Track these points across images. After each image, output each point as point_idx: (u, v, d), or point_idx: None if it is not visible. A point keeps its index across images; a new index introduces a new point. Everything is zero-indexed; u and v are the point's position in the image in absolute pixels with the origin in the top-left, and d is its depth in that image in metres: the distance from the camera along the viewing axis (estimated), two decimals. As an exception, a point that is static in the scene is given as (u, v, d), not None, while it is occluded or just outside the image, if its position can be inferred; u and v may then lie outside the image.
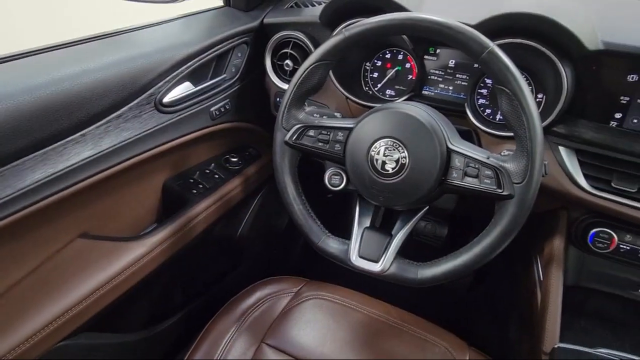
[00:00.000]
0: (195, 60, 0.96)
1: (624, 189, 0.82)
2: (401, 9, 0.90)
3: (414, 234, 1.52)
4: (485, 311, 1.47)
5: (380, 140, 0.75)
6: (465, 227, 1.38)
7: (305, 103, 1.13)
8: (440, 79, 1.02)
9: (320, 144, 0.82)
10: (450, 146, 0.74)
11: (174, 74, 0.92)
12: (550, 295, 0.89)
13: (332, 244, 0.83)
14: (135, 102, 0.86)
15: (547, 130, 0.88)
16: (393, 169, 0.75)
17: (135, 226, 1.03)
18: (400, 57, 1.05)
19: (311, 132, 0.83)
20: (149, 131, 0.90)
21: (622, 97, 0.82)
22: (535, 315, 0.92)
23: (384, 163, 0.75)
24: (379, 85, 1.08)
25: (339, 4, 0.94)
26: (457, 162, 0.74)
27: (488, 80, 0.96)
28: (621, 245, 0.89)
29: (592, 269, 0.98)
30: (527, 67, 0.92)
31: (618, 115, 0.83)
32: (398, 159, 0.74)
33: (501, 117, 0.96)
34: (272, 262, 1.54)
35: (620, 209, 0.83)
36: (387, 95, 1.08)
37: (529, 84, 0.93)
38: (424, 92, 1.04)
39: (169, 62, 0.90)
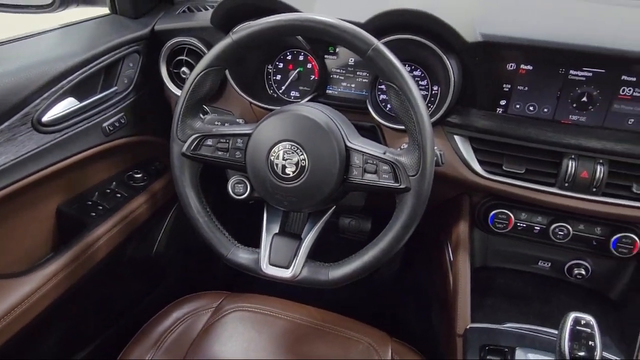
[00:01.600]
0: (77, 73, 0.89)
1: (513, 170, 0.87)
2: (291, 9, 0.89)
3: (340, 232, 1.53)
4: (411, 300, 1.52)
5: (279, 144, 0.74)
6: (388, 219, 1.41)
7: (209, 111, 1.11)
8: (342, 78, 1.03)
9: (219, 152, 0.80)
10: (349, 144, 0.75)
11: (53, 89, 0.85)
12: (459, 278, 0.93)
13: (241, 255, 0.81)
14: (6, 124, 0.78)
15: (442, 121, 0.91)
16: (294, 172, 0.74)
17: (27, 259, 0.93)
18: (301, 58, 1.05)
19: (209, 142, 0.80)
20: (27, 154, 0.82)
21: (504, 85, 0.87)
22: (449, 299, 0.96)
23: (284, 167, 0.74)
24: (283, 88, 1.07)
25: (228, 7, 0.92)
26: (356, 159, 0.74)
27: None
28: (518, 224, 0.95)
29: (496, 249, 1.04)
30: (421, 61, 0.95)
31: (503, 102, 0.88)
32: (298, 161, 0.73)
33: None
34: (195, 278, 1.48)
35: (512, 190, 0.89)
36: (292, 97, 1.07)
37: (424, 78, 0.96)
38: (327, 91, 1.05)
39: (44, 77, 0.82)
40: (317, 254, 0.80)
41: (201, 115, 1.05)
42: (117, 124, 1.01)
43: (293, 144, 0.73)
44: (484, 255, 1.05)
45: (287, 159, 0.74)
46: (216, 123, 0.95)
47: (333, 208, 0.83)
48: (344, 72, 1.03)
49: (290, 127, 0.74)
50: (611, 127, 0.84)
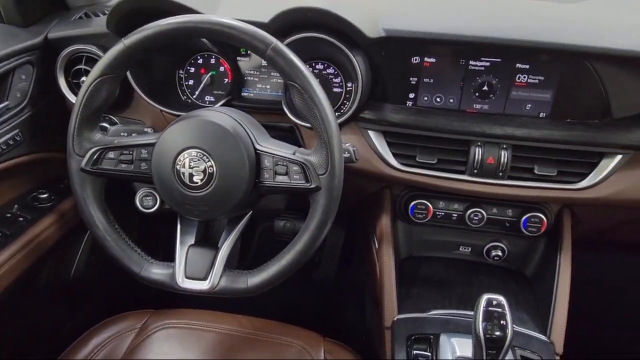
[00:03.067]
0: None
1: (426, 161, 0.89)
2: (191, 11, 0.86)
3: (276, 235, 1.51)
4: (349, 297, 1.53)
5: (184, 152, 0.71)
6: None
7: (118, 121, 1.05)
8: (257, 79, 1.01)
9: (123, 165, 0.75)
10: (258, 147, 0.73)
11: None
12: (384, 270, 0.94)
13: (155, 270, 0.77)
14: None
15: (355, 117, 0.91)
16: (202, 180, 0.71)
17: None
18: (212, 61, 1.01)
19: (111, 154, 0.75)
20: None
21: (411, 79, 0.89)
22: (378, 292, 0.97)
23: (191, 175, 0.71)
24: (197, 93, 1.03)
25: (123, 11, 0.87)
26: (267, 162, 0.73)
27: None
28: (437, 212, 0.98)
29: (420, 239, 1.06)
30: (332, 59, 0.95)
31: (412, 95, 0.90)
32: (205, 169, 0.70)
33: None
34: (123, 298, 1.40)
35: (427, 180, 0.91)
36: (207, 102, 1.04)
37: (338, 75, 0.96)
38: (243, 94, 1.02)
39: None
40: (259, 261, 0.78)
41: (108, 127, 0.99)
42: (11, 142, 0.93)
43: (199, 151, 0.71)
44: (409, 246, 1.07)
45: (193, 167, 0.71)
46: (122, 134, 0.90)
47: (250, 213, 0.81)
48: (258, 73, 1.01)
49: (195, 133, 0.72)
50: (511, 114, 0.88)
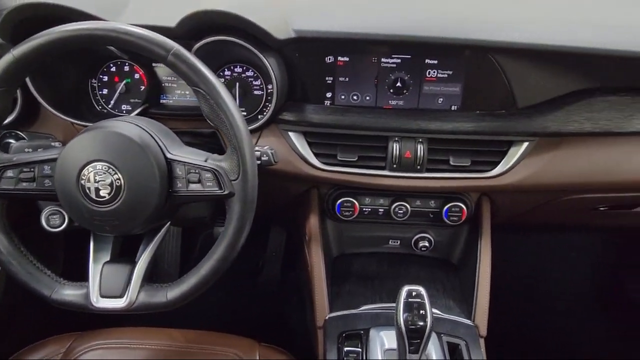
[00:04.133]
0: None
1: (347, 159, 0.90)
2: (91, 17, 0.82)
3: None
4: (291, 301, 1.52)
5: (88, 165, 0.68)
6: None
7: (25, 137, 0.98)
8: (175, 85, 0.99)
9: (24, 184, 0.71)
10: (169, 156, 0.71)
11: None
12: (314, 270, 0.94)
13: (68, 292, 0.73)
14: None
15: (274, 119, 0.91)
16: (109, 194, 0.68)
17: None
18: (126, 68, 0.97)
19: (9, 173, 0.70)
20: None
21: (327, 78, 0.89)
22: (311, 292, 0.97)
23: (97, 190, 0.68)
24: (112, 102, 0.99)
25: (17, 19, 0.81)
26: (179, 171, 0.71)
27: None
28: (364, 209, 0.99)
29: (350, 236, 1.07)
30: (250, 61, 0.94)
31: (329, 95, 0.91)
32: (112, 182, 0.67)
33: None
34: (52, 323, 1.32)
35: (350, 178, 0.92)
36: (124, 111, 0.99)
37: (257, 77, 0.95)
38: (162, 100, 0.99)
39: None
40: None
41: (12, 143, 0.93)
42: None
43: (104, 163, 0.68)
44: (340, 244, 1.08)
45: (99, 181, 0.67)
46: (26, 150, 0.85)
47: (167, 224, 0.78)
48: (176, 79, 0.98)
49: (100, 145, 0.68)
50: (425, 108, 0.90)
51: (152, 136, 0.71)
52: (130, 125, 0.71)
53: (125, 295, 0.72)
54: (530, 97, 0.88)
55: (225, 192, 0.69)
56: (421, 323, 0.70)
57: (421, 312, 0.71)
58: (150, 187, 0.68)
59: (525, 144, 0.89)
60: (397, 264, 1.05)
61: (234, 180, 0.68)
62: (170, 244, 1.59)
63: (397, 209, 0.97)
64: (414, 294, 0.72)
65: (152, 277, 0.76)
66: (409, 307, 0.71)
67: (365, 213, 0.99)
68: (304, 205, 1.04)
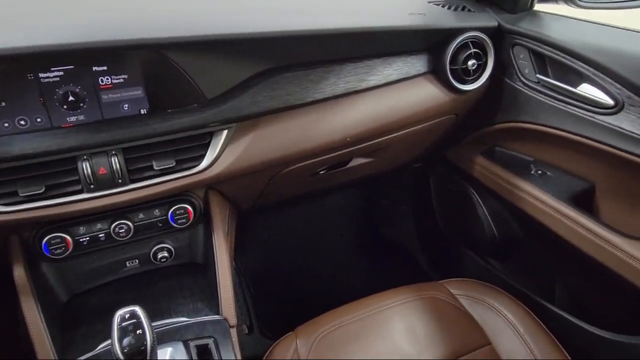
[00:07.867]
0: None
1: (31, 193, 0.79)
2: None
3: None
4: None
5: None
6: None
7: None
8: None
9: None
10: None
11: None
12: (31, 328, 0.81)
13: None
14: None
15: None
16: None
17: None
18: None
19: None
20: None
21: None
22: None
23: None
24: None
25: None
26: None
27: None
28: (80, 240, 0.89)
29: (76, 273, 0.96)
30: None
31: None
32: None
33: None
34: None
35: (43, 213, 0.80)
36: None
37: None
38: None
39: None
40: None
41: None
42: None
43: None
44: (68, 284, 0.95)
45: None
46: None
47: None
48: None
49: None
50: (112, 118, 0.84)
51: None
52: None
53: None
54: (216, 87, 0.90)
55: None
56: (139, 344, 0.66)
57: (138, 331, 0.66)
58: None
59: (225, 132, 0.92)
60: (140, 284, 0.99)
61: None
62: None
63: (117, 228, 0.90)
64: (127, 316, 0.67)
65: None
66: (125, 331, 0.66)
67: (85, 244, 0.89)
68: (6, 256, 0.88)
